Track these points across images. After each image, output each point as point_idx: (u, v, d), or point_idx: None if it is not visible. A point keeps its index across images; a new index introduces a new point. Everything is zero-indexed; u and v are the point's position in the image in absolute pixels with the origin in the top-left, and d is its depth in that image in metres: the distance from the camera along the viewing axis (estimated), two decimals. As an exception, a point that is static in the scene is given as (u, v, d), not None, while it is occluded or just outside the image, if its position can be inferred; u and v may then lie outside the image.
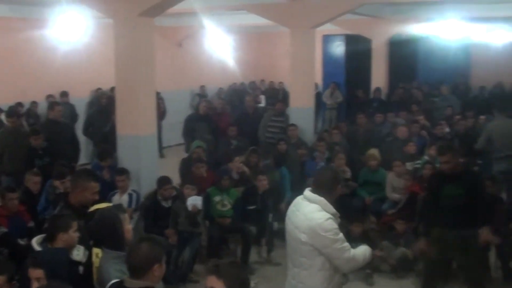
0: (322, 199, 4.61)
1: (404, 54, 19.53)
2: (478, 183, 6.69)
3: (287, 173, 10.24)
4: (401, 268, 8.16)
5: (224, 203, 8.76)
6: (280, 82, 20.85)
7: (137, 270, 3.77)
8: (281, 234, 9.67)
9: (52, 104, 10.66)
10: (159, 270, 3.81)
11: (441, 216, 6.71)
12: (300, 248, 4.64)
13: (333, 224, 4.56)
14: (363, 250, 4.84)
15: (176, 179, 9.40)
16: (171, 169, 10.64)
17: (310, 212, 4.59)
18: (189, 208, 8.10)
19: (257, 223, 8.95)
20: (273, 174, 10.03)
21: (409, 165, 10.22)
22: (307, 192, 4.72)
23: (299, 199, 4.81)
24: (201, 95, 18.78)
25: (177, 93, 18.28)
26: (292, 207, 4.84)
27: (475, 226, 6.54)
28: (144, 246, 3.80)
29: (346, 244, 4.63)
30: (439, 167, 6.90)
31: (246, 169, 9.97)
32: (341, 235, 4.60)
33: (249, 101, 13.77)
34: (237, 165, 9.88)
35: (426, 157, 10.62)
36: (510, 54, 18.23)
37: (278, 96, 19.19)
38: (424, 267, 7.16)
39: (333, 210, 4.63)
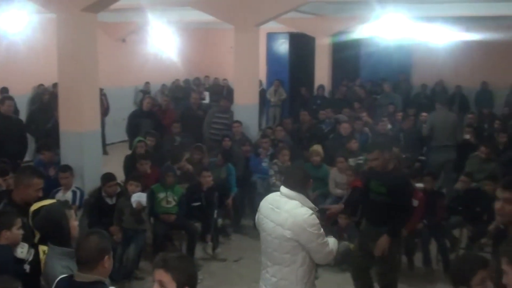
0: (300, 195, 4.80)
1: (347, 53, 19.81)
2: (400, 185, 6.64)
3: (233, 169, 10.34)
4: (344, 262, 8.33)
5: (168, 200, 8.75)
6: (225, 79, 20.91)
7: (88, 263, 3.81)
8: (224, 230, 9.93)
9: (3, 98, 10.48)
10: (108, 262, 3.87)
11: (367, 210, 7.01)
12: (284, 245, 4.76)
13: (315, 219, 4.74)
14: (333, 243, 5.01)
15: (120, 176, 9.37)
16: (115, 166, 10.60)
17: (292, 208, 4.74)
18: (134, 205, 8.08)
19: (202, 219, 9.03)
20: (219, 170, 10.12)
21: (351, 161, 10.44)
22: (284, 189, 4.86)
23: (275, 197, 4.95)
24: (145, 91, 18.69)
25: (121, 89, 18.14)
26: (267, 205, 4.96)
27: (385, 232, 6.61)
28: (94, 238, 3.85)
29: (326, 238, 4.83)
30: (368, 164, 7.00)
31: (189, 167, 10.02)
32: (322, 230, 4.78)
33: (195, 98, 13.80)
34: (187, 167, 9.97)
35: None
36: (451, 53, 18.69)
37: (223, 93, 19.27)
38: (352, 260, 7.31)
39: (312, 205, 4.83)
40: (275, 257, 4.86)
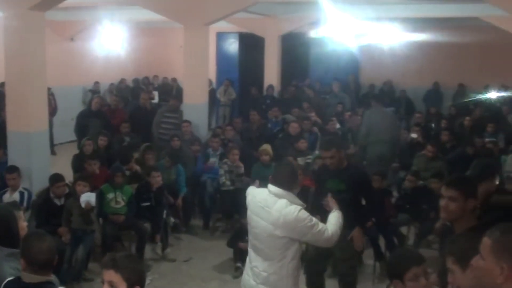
0: (289, 193, 4.93)
1: (296, 53, 20.00)
2: (360, 178, 6.73)
3: (182, 170, 10.36)
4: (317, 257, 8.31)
5: (117, 200, 8.71)
6: (174, 78, 20.84)
7: (43, 265, 3.81)
8: (175, 230, 9.94)
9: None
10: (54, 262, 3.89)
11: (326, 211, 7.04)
12: (276, 242, 4.90)
13: (305, 213, 4.88)
14: (335, 220, 5.25)
15: (68, 177, 9.29)
16: (63, 167, 10.52)
17: (282, 207, 4.85)
18: (83, 205, 8.01)
19: (151, 220, 9.02)
20: (169, 172, 10.15)
21: (300, 160, 10.57)
22: (273, 188, 4.95)
23: (263, 195, 5.01)
24: (94, 91, 18.51)
25: (69, 89, 17.91)
26: (256, 203, 5.03)
27: (355, 224, 6.66)
28: (46, 240, 3.85)
29: (322, 225, 4.98)
30: (323, 162, 6.97)
31: (137, 167, 10.01)
32: (315, 219, 4.95)
33: (144, 98, 13.76)
34: (135, 167, 9.98)
35: (317, 152, 11.02)
36: (399, 53, 18.98)
37: (172, 92, 19.23)
38: (305, 262, 7.14)
39: (300, 202, 4.97)
40: (266, 254, 4.99)
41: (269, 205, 4.91)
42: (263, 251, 5.01)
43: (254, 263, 5.10)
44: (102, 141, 10.71)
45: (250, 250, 5.20)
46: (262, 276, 5.01)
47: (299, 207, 4.88)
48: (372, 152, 11.59)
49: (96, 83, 19.08)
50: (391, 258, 4.41)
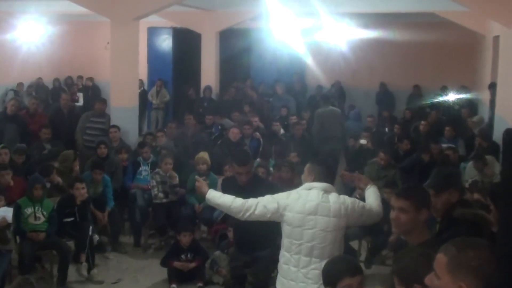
0: (330, 185, 5.65)
1: (236, 51, 20.05)
2: (267, 191, 6.49)
3: (108, 181, 10.27)
4: (233, 280, 8.40)
5: (37, 215, 8.58)
6: (90, 78, 20.60)
7: None
8: (103, 248, 9.83)
9: None
10: None
11: (238, 234, 7.16)
12: (338, 235, 5.53)
13: (347, 197, 5.71)
14: (374, 195, 5.88)
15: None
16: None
17: (337, 198, 5.56)
18: None
19: (75, 237, 8.92)
20: (95, 182, 10.06)
21: (241, 169, 10.59)
22: (319, 184, 5.59)
23: (312, 194, 5.54)
24: (17, 91, 18.25)
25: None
26: (310, 202, 5.50)
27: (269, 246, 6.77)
28: None
29: (364, 203, 5.75)
30: (237, 178, 6.81)
31: (59, 179, 9.87)
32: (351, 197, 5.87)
33: (65, 100, 13.55)
34: (57, 179, 9.80)
35: (258, 160, 11.08)
36: (348, 51, 19.21)
37: (98, 94, 19.03)
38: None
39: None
40: (327, 251, 5.45)
41: (325, 200, 5.50)
42: (323, 249, 5.46)
43: (311, 266, 5.47)
44: (18, 159, 10.44)
45: (297, 257, 5.54)
46: (318, 275, 5.26)
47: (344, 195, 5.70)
48: (323, 148, 12.64)
49: (20, 84, 18.78)
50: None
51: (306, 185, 5.68)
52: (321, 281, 4.95)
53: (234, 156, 7.01)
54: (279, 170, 9.97)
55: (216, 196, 5.89)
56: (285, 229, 5.58)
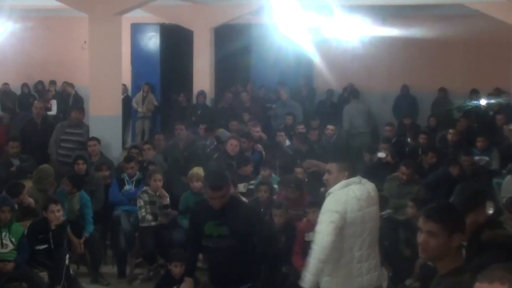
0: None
1: (234, 50, 20.02)
2: (247, 215, 6.80)
3: (87, 199, 10.23)
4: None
5: (4, 242, 8.60)
6: (69, 83, 20.60)
7: None
8: (80, 278, 9.77)
9: None
10: None
11: (210, 265, 7.07)
12: (378, 222, 6.77)
13: None
14: None
15: None
16: None
17: (370, 185, 6.72)
18: None
19: (49, 267, 8.90)
20: (70, 201, 10.00)
21: (242, 187, 10.54)
22: (357, 178, 6.63)
23: (357, 187, 6.53)
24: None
25: None
26: (361, 197, 6.46)
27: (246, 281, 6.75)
28: None
29: None
30: (210, 202, 6.67)
31: (30, 200, 9.82)
32: None
33: (38, 108, 13.54)
34: (28, 200, 9.74)
35: (260, 177, 11.03)
36: (362, 51, 19.19)
37: (75, 102, 19.02)
38: None
39: None
40: (375, 240, 6.63)
41: (367, 191, 6.58)
42: (376, 237, 6.64)
43: (371, 257, 6.52)
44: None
45: (360, 253, 6.43)
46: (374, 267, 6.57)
47: None
48: (353, 144, 15.00)
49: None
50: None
51: (343, 183, 6.50)
52: (378, 266, 6.62)
53: (207, 178, 6.92)
54: (285, 189, 9.91)
55: (307, 275, 6.30)
56: (348, 230, 6.33)
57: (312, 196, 9.84)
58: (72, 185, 10.15)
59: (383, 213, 9.30)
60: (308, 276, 6.24)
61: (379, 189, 10.69)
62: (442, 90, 19.02)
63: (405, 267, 8.68)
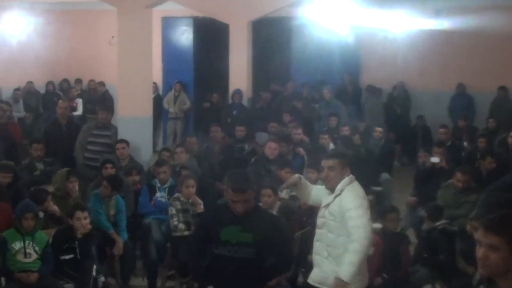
0: None
1: (273, 46, 20.03)
2: (278, 229, 6.77)
3: (123, 204, 10.31)
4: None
5: (27, 251, 8.63)
6: (100, 82, 20.75)
7: None
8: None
9: None
10: None
11: (218, 278, 6.75)
12: None
13: None
14: None
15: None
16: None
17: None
18: None
19: (75, 279, 8.91)
20: (107, 205, 10.08)
21: (283, 193, 10.51)
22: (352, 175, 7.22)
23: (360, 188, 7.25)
24: None
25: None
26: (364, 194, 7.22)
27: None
28: None
29: None
30: (232, 206, 6.61)
31: (55, 208, 9.83)
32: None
33: (63, 108, 13.53)
34: (53, 208, 9.78)
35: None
36: (414, 46, 19.09)
37: (103, 101, 19.15)
38: None
39: None
40: None
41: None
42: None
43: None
44: (6, 178, 10.44)
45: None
46: None
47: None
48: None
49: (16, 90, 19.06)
50: None
51: (348, 179, 7.09)
52: None
53: (230, 179, 6.67)
54: None
55: (351, 269, 6.67)
56: None
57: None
58: (111, 187, 10.19)
59: (437, 223, 9.28)
60: (351, 270, 6.61)
61: (434, 197, 10.79)
62: (502, 88, 18.79)
63: (462, 283, 8.62)
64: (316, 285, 7.10)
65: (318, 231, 7.17)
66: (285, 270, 7.32)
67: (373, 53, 19.85)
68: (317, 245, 7.16)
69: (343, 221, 6.82)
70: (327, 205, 7.00)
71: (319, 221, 7.16)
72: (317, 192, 7.48)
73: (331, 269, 6.92)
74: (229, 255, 6.48)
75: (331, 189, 7.05)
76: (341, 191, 6.94)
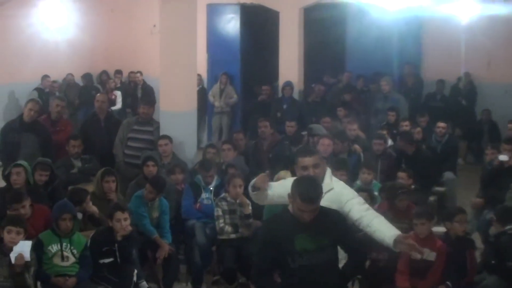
0: None
1: (327, 34, 20.00)
2: (343, 221, 6.86)
3: (167, 206, 10.39)
4: None
5: (65, 254, 8.68)
6: (138, 72, 20.95)
7: None
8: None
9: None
10: None
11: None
12: None
13: None
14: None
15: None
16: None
17: None
18: (13, 260, 7.92)
19: (115, 284, 8.96)
20: (152, 207, 10.17)
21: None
22: None
23: None
24: (42, 89, 18.65)
25: None
26: None
27: None
28: None
29: None
30: (297, 214, 6.62)
31: (94, 208, 9.87)
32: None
33: (101, 101, 13.60)
34: (92, 209, 9.85)
35: (358, 183, 11.06)
36: (482, 33, 18.95)
37: (144, 94, 19.27)
38: None
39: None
40: None
41: None
42: None
43: None
44: (43, 176, 10.55)
45: None
46: None
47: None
48: None
49: (45, 78, 19.18)
50: None
51: (329, 173, 7.42)
52: None
53: (298, 187, 6.56)
54: (392, 197, 9.92)
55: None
56: None
57: (419, 206, 9.76)
58: (156, 190, 10.25)
59: (507, 227, 9.22)
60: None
61: (502, 198, 10.74)
62: None
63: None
64: None
65: None
66: (361, 264, 7.40)
67: (437, 41, 19.72)
68: None
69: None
70: None
71: None
72: (279, 190, 7.40)
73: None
74: (308, 263, 6.49)
75: None
76: (331, 186, 7.18)
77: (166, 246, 10.03)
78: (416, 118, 15.29)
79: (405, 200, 9.74)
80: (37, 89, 18.93)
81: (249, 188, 7.62)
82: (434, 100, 18.78)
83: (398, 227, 8.76)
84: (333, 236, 6.56)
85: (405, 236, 6.76)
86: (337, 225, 6.64)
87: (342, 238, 6.67)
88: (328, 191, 7.03)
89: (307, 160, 7.18)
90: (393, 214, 9.19)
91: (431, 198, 12.07)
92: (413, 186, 11.12)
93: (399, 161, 12.71)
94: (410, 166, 12.18)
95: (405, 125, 14.31)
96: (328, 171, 7.29)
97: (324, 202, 6.73)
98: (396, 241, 6.67)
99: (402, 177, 11.00)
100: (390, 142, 13.67)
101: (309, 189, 6.48)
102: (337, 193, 7.11)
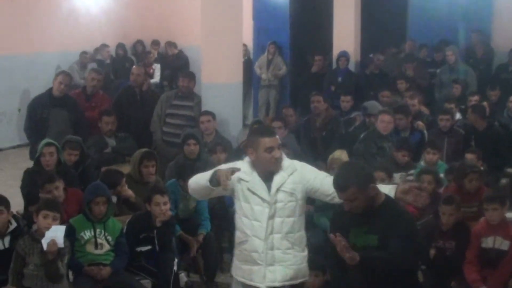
0: None
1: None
2: (402, 224, 6.55)
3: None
4: None
5: (98, 242, 8.71)
6: (173, 43, 20.89)
7: None
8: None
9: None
10: None
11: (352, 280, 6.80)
12: None
13: None
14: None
15: (16, 203, 9.40)
16: (5, 186, 10.62)
17: None
18: (45, 246, 7.92)
19: (154, 274, 9.04)
20: (187, 196, 10.03)
21: (397, 177, 10.52)
22: None
23: None
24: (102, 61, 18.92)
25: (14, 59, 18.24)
26: None
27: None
28: None
29: None
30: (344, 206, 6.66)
31: (130, 192, 9.88)
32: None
33: (137, 74, 13.60)
34: (128, 193, 9.85)
35: (422, 163, 11.00)
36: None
37: (183, 66, 19.32)
38: None
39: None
40: None
41: None
42: None
43: None
44: (72, 156, 10.61)
45: None
46: None
47: None
48: None
49: (83, 54, 19.39)
50: None
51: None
52: None
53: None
54: (461, 178, 9.84)
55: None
56: None
57: (491, 189, 9.68)
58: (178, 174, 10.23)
59: None
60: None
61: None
62: None
63: None
64: (287, 283, 7.09)
65: (268, 223, 6.93)
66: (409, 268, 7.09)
67: (509, 6, 19.55)
68: (272, 240, 7.00)
69: (304, 193, 7.06)
70: (278, 189, 6.94)
71: (266, 211, 6.99)
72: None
73: (299, 258, 7.18)
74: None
75: (277, 169, 6.99)
76: (295, 168, 7.07)
77: (195, 245, 9.94)
78: (486, 91, 15.14)
79: (476, 181, 9.64)
80: (96, 60, 19.05)
81: (206, 182, 7.31)
82: (506, 71, 18.54)
83: (466, 212, 8.75)
84: (389, 236, 6.40)
85: (402, 189, 6.61)
86: (395, 225, 6.44)
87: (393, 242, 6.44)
88: (292, 173, 6.99)
89: (273, 140, 6.97)
90: (461, 196, 9.10)
91: (503, 181, 11.97)
92: (482, 168, 11.04)
93: (469, 139, 12.58)
94: (480, 144, 12.14)
95: (474, 100, 14.15)
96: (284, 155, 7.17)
97: (289, 185, 6.93)
98: (397, 198, 6.63)
99: (471, 158, 10.90)
100: (458, 115, 13.56)
101: (338, 175, 6.61)
102: (300, 172, 7.04)
